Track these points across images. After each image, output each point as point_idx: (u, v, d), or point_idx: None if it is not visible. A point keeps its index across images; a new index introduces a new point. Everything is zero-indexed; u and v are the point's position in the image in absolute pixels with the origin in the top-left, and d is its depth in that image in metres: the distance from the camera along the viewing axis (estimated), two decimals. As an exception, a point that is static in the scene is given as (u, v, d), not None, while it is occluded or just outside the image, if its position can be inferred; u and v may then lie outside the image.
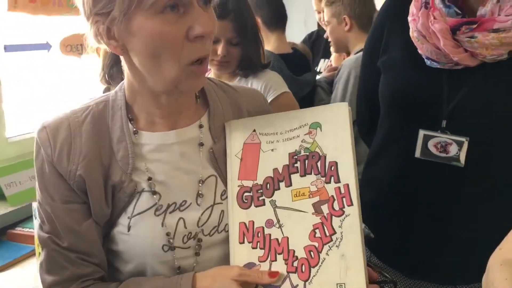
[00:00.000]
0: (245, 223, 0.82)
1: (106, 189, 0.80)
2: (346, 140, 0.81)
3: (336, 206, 0.79)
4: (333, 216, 0.78)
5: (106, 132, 0.82)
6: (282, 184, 0.82)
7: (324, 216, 0.79)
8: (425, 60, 1.05)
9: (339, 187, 0.79)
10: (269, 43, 1.97)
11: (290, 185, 0.82)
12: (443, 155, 1.04)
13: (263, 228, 0.81)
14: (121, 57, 0.81)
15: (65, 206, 0.80)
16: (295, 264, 0.78)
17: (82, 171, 0.79)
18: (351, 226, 0.77)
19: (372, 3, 2.24)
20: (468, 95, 1.01)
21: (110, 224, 0.82)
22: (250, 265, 0.80)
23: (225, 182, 0.85)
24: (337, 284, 0.75)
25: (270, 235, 0.80)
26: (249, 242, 0.81)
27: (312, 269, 0.77)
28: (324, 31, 2.47)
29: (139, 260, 0.81)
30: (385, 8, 1.19)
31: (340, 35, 2.15)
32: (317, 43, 2.82)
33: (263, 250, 0.80)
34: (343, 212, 0.78)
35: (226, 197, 0.84)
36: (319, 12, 2.62)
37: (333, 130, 0.82)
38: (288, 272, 0.78)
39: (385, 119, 1.16)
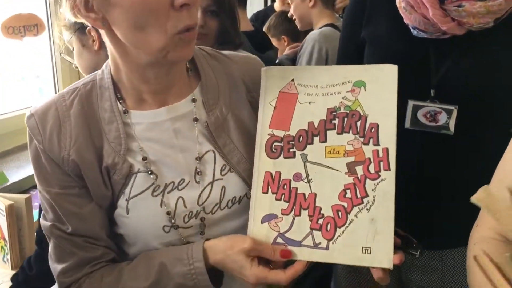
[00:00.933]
0: (271, 173, 0.79)
1: (102, 172, 0.77)
2: (392, 103, 0.79)
3: (372, 169, 0.77)
4: (367, 179, 0.77)
5: (95, 113, 0.79)
6: (316, 139, 0.79)
7: (358, 178, 0.77)
8: (412, 30, 1.05)
9: (377, 150, 0.78)
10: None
11: (325, 141, 0.79)
12: (433, 124, 1.06)
13: (290, 180, 0.79)
14: (102, 31, 0.75)
15: (64, 192, 0.77)
16: (320, 221, 0.76)
17: (74, 156, 0.76)
18: (385, 192, 0.76)
19: None
20: (456, 64, 1.03)
21: (112, 206, 0.79)
22: (271, 217, 0.78)
23: (224, 157, 0.82)
24: (362, 247, 0.74)
25: (297, 188, 0.78)
26: (273, 193, 0.78)
27: (338, 229, 0.76)
28: (272, 11, 2.50)
29: (143, 242, 0.79)
30: None
31: (304, 11, 2.16)
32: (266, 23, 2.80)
33: (287, 203, 0.78)
34: (379, 176, 0.77)
35: (227, 172, 0.81)
36: None
37: (379, 91, 0.80)
38: (311, 229, 0.76)
39: None
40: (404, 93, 1.05)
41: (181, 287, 0.75)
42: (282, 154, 0.80)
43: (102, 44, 1.18)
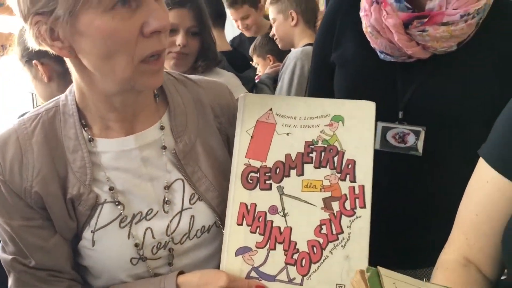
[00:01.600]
0: (246, 205, 0.79)
1: (66, 203, 0.75)
2: (369, 140, 0.81)
3: (347, 205, 0.78)
4: (343, 215, 0.77)
5: (59, 141, 0.77)
6: (293, 172, 0.80)
7: (334, 213, 0.78)
8: (379, 54, 1.07)
9: (353, 187, 0.78)
10: (211, 41, 1.94)
11: (302, 174, 0.79)
12: (402, 145, 1.08)
13: (265, 213, 0.79)
14: (67, 59, 0.74)
15: (26, 224, 0.75)
16: (295, 256, 0.76)
17: (37, 188, 0.74)
18: (360, 229, 0.77)
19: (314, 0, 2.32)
20: (422, 86, 1.05)
21: (77, 239, 0.77)
22: (245, 249, 0.78)
23: (193, 186, 0.81)
24: (337, 284, 0.75)
25: (272, 222, 0.78)
26: (248, 225, 0.78)
27: (312, 264, 0.76)
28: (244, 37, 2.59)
29: (108, 275, 0.78)
30: (335, 4, 1.20)
31: (286, 30, 2.21)
32: (241, 48, 2.85)
33: (262, 236, 0.78)
34: (354, 213, 0.78)
35: (196, 201, 0.81)
36: (236, 21, 2.72)
37: (356, 127, 0.81)
38: (286, 264, 0.76)
39: None
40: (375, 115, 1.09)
41: None
42: (258, 185, 0.80)
43: (51, 76, 1.20)
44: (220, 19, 2.03)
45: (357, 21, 1.10)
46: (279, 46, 2.34)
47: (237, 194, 0.80)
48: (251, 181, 0.80)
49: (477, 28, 1.00)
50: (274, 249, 0.77)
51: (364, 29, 1.07)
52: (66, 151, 0.77)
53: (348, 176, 0.79)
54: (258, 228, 0.78)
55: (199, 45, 1.50)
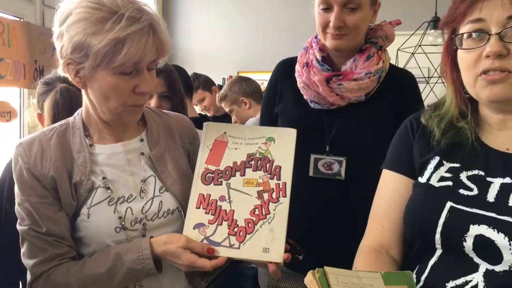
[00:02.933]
0: (203, 194, 1.07)
1: (71, 186, 1.02)
2: (291, 153, 1.12)
3: (274, 195, 1.08)
4: (270, 202, 1.07)
5: (68, 145, 1.06)
6: (237, 173, 1.10)
7: (264, 201, 1.07)
8: (310, 103, 1.41)
9: (279, 183, 1.09)
10: (182, 110, 2.30)
11: (244, 175, 1.10)
12: (329, 172, 1.39)
13: (216, 201, 1.07)
14: (82, 90, 1.05)
15: (42, 201, 1.00)
16: (235, 230, 1.04)
17: (53, 173, 1.01)
18: (281, 211, 1.06)
19: (254, 81, 2.70)
20: (342, 126, 1.39)
21: (75, 215, 1.02)
22: (200, 225, 1.05)
23: (162, 181, 1.09)
24: (263, 248, 1.02)
25: (221, 206, 1.06)
26: (203, 208, 1.06)
27: (247, 235, 1.04)
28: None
29: (98, 241, 1.02)
30: (276, 70, 1.55)
31: (244, 114, 2.58)
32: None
33: (213, 216, 1.06)
34: (278, 200, 1.07)
35: (164, 191, 1.09)
36: (196, 104, 2.95)
37: (283, 145, 1.13)
38: (229, 234, 1.04)
39: None
40: (308, 149, 1.40)
41: (131, 271, 0.98)
42: (213, 182, 1.09)
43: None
44: (189, 91, 2.40)
45: (293, 83, 1.45)
46: None
47: (197, 188, 1.08)
48: (208, 179, 1.09)
49: (378, 84, 1.38)
50: (221, 224, 1.05)
51: (298, 85, 1.42)
52: (73, 152, 1.05)
53: (275, 176, 1.10)
54: (211, 211, 1.06)
55: (170, 107, 1.80)
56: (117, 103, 1.00)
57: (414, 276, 0.94)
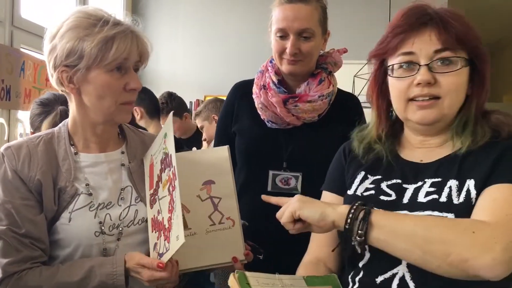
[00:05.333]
0: (153, 218, 1.14)
1: (54, 191, 1.08)
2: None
3: (173, 184, 1.07)
4: (173, 192, 1.06)
5: (54, 152, 1.13)
6: (160, 183, 1.14)
7: (170, 193, 1.08)
8: (267, 123, 1.52)
9: (172, 170, 1.08)
10: (150, 128, 2.37)
11: (161, 180, 1.14)
12: (286, 187, 1.49)
13: (157, 217, 1.12)
14: (71, 99, 1.13)
15: (24, 203, 1.06)
16: (167, 233, 1.06)
17: (39, 176, 1.07)
18: (176, 196, 1.04)
19: None
20: (297, 144, 1.50)
21: (54, 219, 1.08)
22: (155, 245, 1.10)
23: (137, 191, 1.18)
24: (176, 236, 1.03)
25: (159, 220, 1.11)
26: (154, 230, 1.13)
27: (170, 232, 1.05)
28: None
29: (76, 243, 1.08)
30: (233, 92, 1.64)
31: (213, 131, 2.63)
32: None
33: (158, 232, 1.10)
34: (175, 186, 1.06)
35: (139, 201, 1.17)
36: None
37: (170, 137, 1.17)
38: (164, 241, 1.06)
39: (243, 167, 1.57)
40: (266, 166, 1.50)
41: (102, 284, 1.03)
42: (153, 203, 1.14)
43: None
44: (157, 113, 2.49)
45: (250, 103, 1.55)
46: (207, 146, 2.77)
47: (149, 213, 1.15)
48: (152, 202, 1.15)
49: (329, 106, 1.50)
50: (161, 236, 1.08)
51: (256, 106, 1.53)
52: (58, 159, 1.12)
53: (168, 166, 1.11)
54: (156, 228, 1.11)
55: None
56: (111, 100, 1.09)
57: (350, 279, 1.03)
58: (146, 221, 1.16)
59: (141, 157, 1.23)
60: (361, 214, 0.91)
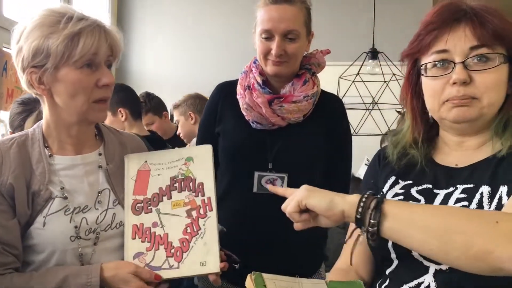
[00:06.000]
0: (136, 225, 1.13)
1: (28, 195, 1.05)
2: (210, 169, 1.18)
3: (201, 211, 1.14)
4: (199, 218, 1.14)
5: (27, 155, 1.09)
6: (165, 198, 1.16)
7: (193, 218, 1.13)
8: (252, 124, 1.51)
9: (204, 199, 1.16)
10: (133, 129, 2.35)
11: (171, 198, 1.16)
12: (272, 187, 1.48)
13: (150, 228, 1.13)
14: (43, 101, 1.10)
15: None
16: (172, 251, 1.10)
17: (11, 180, 1.04)
18: (211, 224, 1.13)
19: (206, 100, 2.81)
20: (282, 145, 1.49)
21: (27, 224, 1.05)
22: (139, 254, 1.10)
23: (116, 194, 1.15)
24: (200, 262, 1.09)
25: (155, 232, 1.12)
26: (139, 238, 1.11)
27: (184, 253, 1.10)
28: None
29: (51, 248, 1.05)
30: (216, 93, 1.62)
31: (188, 128, 2.64)
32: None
33: (149, 243, 1.11)
34: (206, 215, 1.14)
35: (117, 204, 1.14)
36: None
37: (201, 162, 1.20)
38: (167, 257, 1.10)
39: (227, 170, 1.55)
40: (252, 167, 1.50)
41: None
42: (143, 211, 1.15)
43: None
44: (137, 113, 2.46)
45: (234, 104, 1.54)
46: (185, 141, 2.76)
47: (129, 219, 1.13)
48: (138, 209, 1.14)
49: (313, 106, 1.51)
50: (158, 249, 1.10)
51: (241, 106, 1.52)
52: (32, 162, 1.08)
53: (200, 193, 1.16)
54: (146, 238, 1.11)
55: None
56: (83, 98, 1.05)
57: (377, 287, 0.99)
58: (124, 224, 1.13)
59: (120, 158, 1.20)
60: (373, 203, 0.84)
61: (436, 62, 0.95)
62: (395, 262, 0.97)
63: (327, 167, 1.54)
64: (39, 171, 1.08)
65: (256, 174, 1.49)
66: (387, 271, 0.98)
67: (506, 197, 0.87)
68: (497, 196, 0.88)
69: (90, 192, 1.12)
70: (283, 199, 1.49)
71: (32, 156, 1.09)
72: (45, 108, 1.12)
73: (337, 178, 1.57)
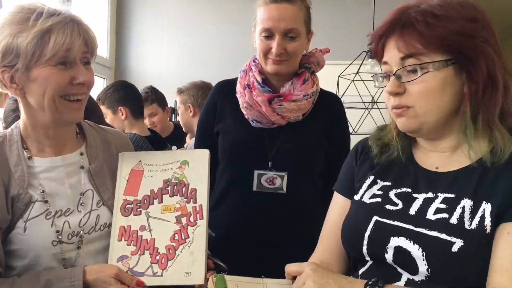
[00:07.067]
0: (124, 226, 1.09)
1: (7, 200, 1.01)
2: (204, 175, 1.15)
3: (192, 219, 1.10)
4: (188, 226, 1.09)
5: (5, 158, 1.05)
6: (155, 201, 1.12)
7: (183, 225, 1.09)
8: (251, 122, 1.51)
9: (195, 206, 1.11)
10: (134, 128, 2.34)
11: (162, 202, 1.12)
12: (272, 186, 1.49)
13: (137, 231, 1.09)
14: (19, 100, 1.06)
15: None
16: (157, 257, 1.07)
17: None
18: (200, 233, 1.09)
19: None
20: (282, 144, 1.50)
21: (8, 229, 1.02)
22: (123, 257, 1.07)
23: (100, 194, 1.11)
24: (185, 272, 1.05)
25: (142, 236, 1.09)
26: (125, 240, 1.08)
27: (169, 261, 1.06)
28: None
29: (33, 254, 1.01)
30: (215, 91, 1.63)
31: (186, 119, 2.60)
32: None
33: (135, 247, 1.08)
34: (196, 223, 1.10)
35: (101, 205, 1.11)
36: (145, 118, 2.92)
37: (197, 167, 1.16)
38: (151, 263, 1.06)
39: (226, 168, 1.55)
40: (251, 165, 1.50)
41: None
42: (132, 213, 1.10)
43: None
44: (138, 112, 2.44)
45: (233, 102, 1.54)
46: (184, 129, 2.74)
47: (118, 220, 1.09)
48: (127, 210, 1.10)
49: (313, 105, 1.51)
50: (143, 254, 1.06)
51: (240, 105, 1.52)
52: (10, 165, 1.04)
53: (192, 199, 1.11)
54: (132, 242, 1.07)
55: None
56: (54, 93, 1.00)
57: None
58: (109, 226, 1.10)
59: (104, 157, 1.16)
60: None
61: (383, 74, 0.98)
62: (369, 263, 0.98)
63: (326, 166, 1.54)
64: (18, 174, 1.04)
65: (256, 172, 1.49)
66: (360, 271, 0.98)
67: (489, 217, 0.86)
68: (479, 212, 0.87)
69: (72, 194, 1.08)
70: (282, 197, 1.51)
71: (10, 159, 1.05)
72: (21, 108, 1.09)
73: (336, 176, 1.56)
